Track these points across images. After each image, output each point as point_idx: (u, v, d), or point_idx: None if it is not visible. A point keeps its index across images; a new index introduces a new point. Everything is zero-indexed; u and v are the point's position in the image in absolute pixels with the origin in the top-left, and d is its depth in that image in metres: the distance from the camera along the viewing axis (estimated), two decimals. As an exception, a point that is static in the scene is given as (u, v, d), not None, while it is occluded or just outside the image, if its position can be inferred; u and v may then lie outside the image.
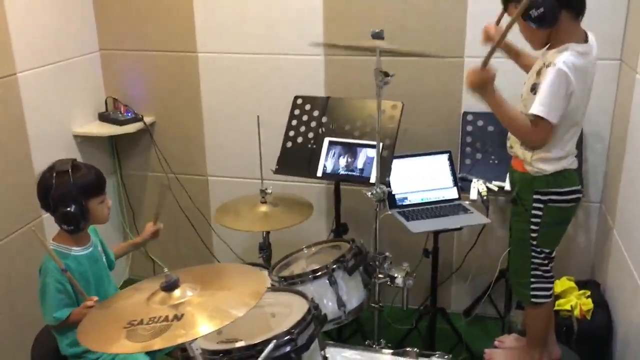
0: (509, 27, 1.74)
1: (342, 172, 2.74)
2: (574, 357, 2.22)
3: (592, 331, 2.58)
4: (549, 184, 1.86)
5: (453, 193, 2.87)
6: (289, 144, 2.89)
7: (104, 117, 3.43)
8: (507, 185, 2.83)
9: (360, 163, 2.73)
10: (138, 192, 3.67)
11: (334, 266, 2.06)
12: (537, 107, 1.74)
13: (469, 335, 3.01)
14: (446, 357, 1.96)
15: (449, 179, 2.88)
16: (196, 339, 1.23)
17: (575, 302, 2.69)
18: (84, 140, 3.34)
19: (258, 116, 2.61)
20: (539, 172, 1.86)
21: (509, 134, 2.04)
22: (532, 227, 1.90)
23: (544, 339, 2.09)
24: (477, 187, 2.86)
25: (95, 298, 2.09)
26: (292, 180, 3.24)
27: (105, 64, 3.49)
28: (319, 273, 2.05)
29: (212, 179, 3.58)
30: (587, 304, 2.67)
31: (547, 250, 1.93)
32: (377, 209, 2.26)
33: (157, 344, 1.18)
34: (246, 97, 3.35)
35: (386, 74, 2.10)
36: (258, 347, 1.54)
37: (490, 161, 2.95)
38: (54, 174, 2.14)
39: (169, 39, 3.35)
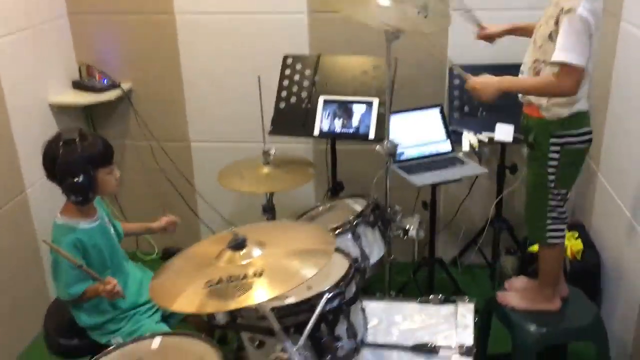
0: None
1: (339, 130, 2.75)
2: (579, 293, 2.35)
3: (583, 271, 2.73)
4: (565, 127, 1.93)
5: (447, 146, 2.93)
6: (282, 105, 2.87)
7: (78, 85, 3.29)
8: (496, 136, 2.92)
9: (356, 120, 2.74)
10: (117, 162, 3.55)
11: (357, 221, 2.09)
12: (564, 55, 1.78)
13: (461, 284, 3.12)
14: (467, 299, 2.03)
15: (441, 133, 2.94)
16: (287, 292, 1.23)
17: (566, 243, 2.82)
18: (60, 111, 3.20)
19: (259, 76, 2.56)
20: (555, 116, 1.93)
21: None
22: (550, 170, 1.98)
23: (557, 278, 2.20)
24: (469, 139, 2.92)
25: (114, 281, 2.03)
26: (280, 141, 3.22)
27: (75, 29, 3.33)
28: (343, 228, 2.07)
29: (194, 144, 3.51)
30: (577, 244, 2.81)
31: (564, 192, 2.02)
32: (388, 163, 2.28)
33: (249, 300, 1.17)
34: (228, 59, 3.29)
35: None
36: (310, 302, 1.56)
37: (478, 113, 3.02)
38: (61, 143, 2.05)
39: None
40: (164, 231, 2.46)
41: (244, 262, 1.31)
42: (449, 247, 3.44)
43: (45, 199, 3.06)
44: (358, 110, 2.74)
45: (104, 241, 2.19)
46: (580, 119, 1.94)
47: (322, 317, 1.55)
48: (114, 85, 3.28)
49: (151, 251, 3.66)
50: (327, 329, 1.57)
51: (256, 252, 1.33)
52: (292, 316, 1.55)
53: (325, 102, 2.79)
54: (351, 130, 2.74)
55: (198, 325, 2.43)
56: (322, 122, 2.77)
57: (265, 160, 2.59)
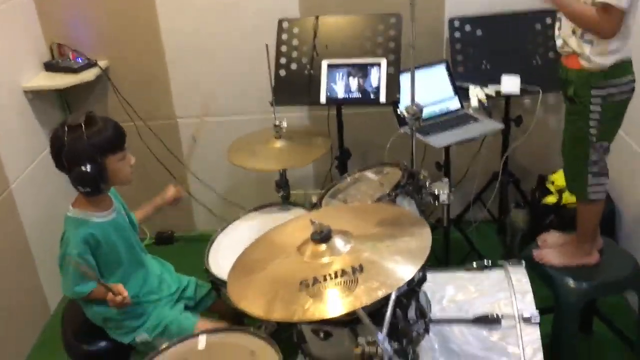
0: None
1: (347, 95, 2.61)
2: (613, 244, 2.33)
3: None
4: (607, 78, 1.85)
5: (455, 103, 2.84)
6: (283, 72, 2.70)
7: (52, 67, 3.02)
8: (503, 89, 2.84)
9: (364, 84, 2.60)
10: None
11: (396, 192, 1.98)
12: None
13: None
14: (517, 262, 1.96)
15: (449, 90, 2.84)
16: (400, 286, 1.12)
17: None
18: (35, 96, 2.94)
19: (267, 45, 2.38)
20: (596, 67, 1.85)
21: (557, 33, 1.99)
22: (592, 123, 1.91)
23: (595, 233, 2.16)
24: (476, 94, 2.84)
25: (125, 293, 1.87)
26: (269, 111, 3.07)
27: (41, 6, 3.04)
28: (383, 201, 1.96)
29: (181, 121, 3.31)
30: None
31: (606, 144, 1.96)
32: (413, 128, 2.16)
33: (362, 299, 1.05)
34: (212, 28, 3.07)
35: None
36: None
37: (482, 66, 2.92)
38: (66, 129, 1.85)
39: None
40: (173, 203, 2.28)
41: (331, 257, 1.18)
42: (457, 205, 3.38)
43: (31, 194, 2.84)
44: (365, 73, 2.60)
45: (120, 236, 2.03)
46: (623, 68, 1.86)
47: (397, 302, 1.45)
48: (90, 64, 3.03)
49: (143, 237, 3.48)
50: (401, 313, 1.47)
51: (343, 244, 1.20)
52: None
53: (330, 66, 2.63)
54: (360, 95, 2.60)
55: (223, 313, 2.32)
56: (328, 88, 2.62)
57: (277, 133, 2.43)
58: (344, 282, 1.10)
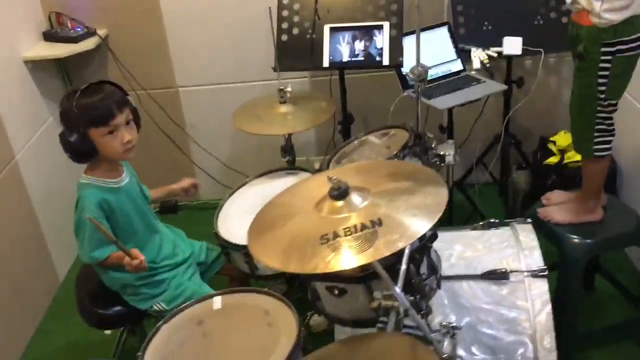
0: None
1: (350, 58, 2.60)
2: (616, 200, 2.37)
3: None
4: (617, 34, 1.85)
5: (458, 65, 2.84)
6: (285, 37, 2.69)
7: (51, 37, 3.00)
8: (504, 50, 2.84)
9: (367, 47, 2.60)
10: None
11: (404, 153, 2.00)
12: None
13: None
14: (524, 220, 2.00)
15: (452, 52, 2.84)
16: (417, 239, 1.14)
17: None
18: (34, 66, 2.92)
19: (269, 7, 2.37)
20: (606, 23, 1.85)
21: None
22: (600, 80, 1.91)
23: (600, 190, 2.19)
24: (478, 55, 2.84)
25: (142, 257, 1.89)
26: (269, 78, 3.07)
27: (37, -26, 3.00)
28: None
29: (182, 89, 3.30)
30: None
31: (614, 102, 1.97)
32: (419, 90, 2.17)
33: (382, 251, 1.08)
34: (210, -7, 3.05)
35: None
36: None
37: (484, 28, 2.92)
38: (68, 94, 1.88)
39: None
40: (185, 193, 2.31)
41: (349, 213, 1.20)
42: (459, 168, 3.40)
43: (36, 163, 2.85)
44: (368, 36, 2.60)
45: (132, 203, 2.04)
46: (633, 23, 1.86)
47: (410, 257, 1.48)
48: (89, 33, 3.01)
49: (148, 206, 3.50)
50: (414, 269, 1.50)
51: (360, 200, 1.22)
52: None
53: (332, 30, 2.63)
54: (363, 58, 2.60)
55: (233, 276, 2.35)
56: (331, 52, 2.62)
57: (282, 98, 2.43)
58: (364, 236, 1.13)
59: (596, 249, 2.21)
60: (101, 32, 3.06)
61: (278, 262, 1.14)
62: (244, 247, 2.08)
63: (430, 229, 1.14)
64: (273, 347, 1.64)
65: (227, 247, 2.16)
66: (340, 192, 1.22)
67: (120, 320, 2.17)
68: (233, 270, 2.30)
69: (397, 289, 1.30)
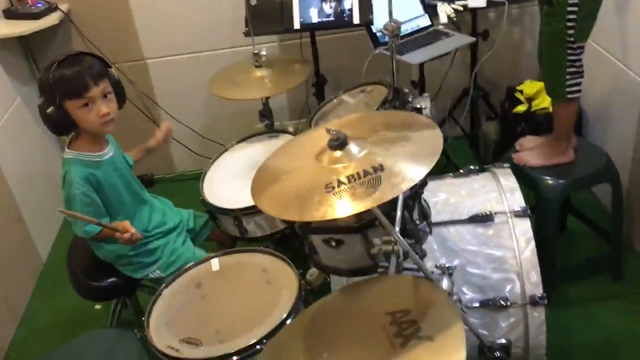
0: None
1: (320, 19, 2.62)
2: (585, 141, 2.49)
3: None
4: (582, -23, 1.93)
5: (426, 20, 2.88)
6: (254, 2, 2.68)
7: (11, 14, 2.92)
8: (470, 3, 2.90)
9: (336, 7, 2.62)
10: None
11: (384, 107, 2.04)
12: None
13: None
14: (503, 165, 2.07)
15: (418, 7, 2.88)
16: (420, 180, 1.19)
17: (549, 100, 2.92)
18: (-1, 45, 2.85)
19: (240, -29, 2.35)
20: (572, -32, 1.92)
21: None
22: (569, 24, 1.98)
23: (571, 131, 2.28)
24: (444, 10, 2.89)
25: (131, 229, 1.90)
26: (238, 44, 3.07)
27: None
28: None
29: (150, 61, 3.27)
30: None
31: (582, 44, 2.05)
32: (393, 45, 2.21)
33: (387, 194, 1.13)
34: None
35: None
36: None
37: (448, -18, 2.95)
38: (46, 66, 1.87)
39: None
40: (164, 142, 2.30)
41: (349, 162, 1.25)
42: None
43: (9, 145, 2.81)
44: (336, -5, 2.61)
45: (119, 174, 2.05)
46: (595, -33, 1.94)
47: (403, 204, 1.54)
48: (50, 9, 2.95)
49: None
50: (408, 215, 1.56)
51: (358, 149, 1.27)
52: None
53: (301, -9, 2.63)
54: (334, 18, 2.62)
55: (221, 241, 2.39)
56: (301, 13, 2.63)
57: (257, 62, 2.44)
58: (368, 181, 1.17)
59: (570, 188, 2.32)
60: (63, 6, 2.99)
61: (288, 213, 1.18)
62: (233, 210, 2.12)
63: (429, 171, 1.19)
64: (275, 302, 1.70)
65: (216, 212, 2.19)
66: (339, 142, 1.26)
67: (115, 292, 2.19)
68: (221, 235, 2.33)
69: (397, 232, 1.35)
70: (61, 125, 1.91)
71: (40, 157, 3.03)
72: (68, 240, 2.30)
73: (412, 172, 1.18)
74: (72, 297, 2.23)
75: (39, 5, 2.92)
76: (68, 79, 1.86)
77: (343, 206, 1.15)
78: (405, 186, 1.14)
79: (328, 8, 2.61)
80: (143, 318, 1.71)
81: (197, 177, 2.35)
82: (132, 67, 3.23)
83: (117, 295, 2.25)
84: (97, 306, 2.65)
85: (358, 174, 1.20)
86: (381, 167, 1.19)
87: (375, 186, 1.15)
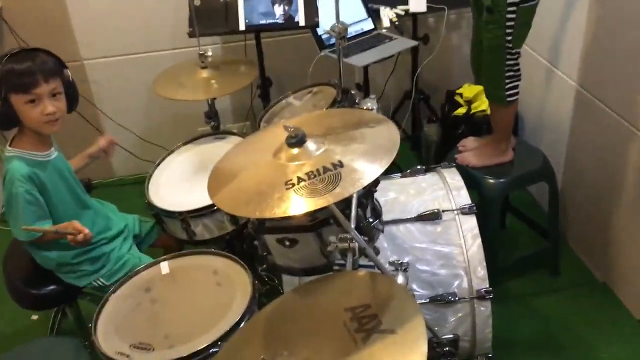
0: None
1: (266, 21, 2.62)
2: (522, 142, 2.59)
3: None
4: (519, -15, 2.01)
5: (369, 24, 2.93)
6: (197, 2, 2.65)
7: (-63, 11, 2.76)
8: (410, 8, 2.98)
9: (281, 9, 2.62)
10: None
11: (334, 107, 2.06)
12: None
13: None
14: (448, 164, 2.13)
15: (362, 11, 2.92)
16: (377, 177, 1.20)
17: (487, 102, 3.02)
18: None
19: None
20: (509, -22, 2.00)
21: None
22: (507, 30, 2.06)
23: (510, 132, 2.37)
24: (387, 14, 2.95)
25: (84, 230, 1.84)
26: (181, 46, 3.03)
27: None
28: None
29: (87, 62, 3.17)
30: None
31: (519, 50, 2.14)
32: (340, 47, 2.23)
33: (348, 189, 1.14)
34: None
35: None
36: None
37: (389, -13, 3.02)
38: None
39: None
40: (104, 153, 2.24)
41: (313, 157, 1.25)
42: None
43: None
44: (281, -3, 2.62)
45: (61, 177, 1.98)
46: (533, -23, 2.02)
47: (358, 202, 1.56)
48: (-20, 6, 2.80)
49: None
50: (362, 213, 1.58)
51: (316, 147, 1.27)
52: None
53: (245, -7, 2.62)
54: (279, 20, 2.62)
55: (168, 247, 2.33)
56: (246, 15, 2.62)
57: (203, 63, 2.41)
58: (328, 177, 1.18)
59: (510, 186, 2.40)
60: (-6, 4, 2.86)
61: (247, 210, 1.17)
62: (181, 212, 2.07)
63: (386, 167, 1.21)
64: (228, 303, 1.68)
65: (162, 215, 2.15)
66: (298, 139, 1.26)
67: (55, 300, 2.10)
68: (167, 241, 2.29)
69: (353, 230, 1.37)
70: (3, 119, 1.84)
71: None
72: (3, 245, 2.19)
73: (371, 168, 1.20)
74: (6, 308, 2.12)
75: (-32, 2, 2.77)
76: (17, 73, 1.80)
77: (303, 202, 1.15)
78: (365, 182, 1.16)
79: (272, 10, 2.61)
80: (90, 325, 1.65)
81: (138, 182, 2.30)
82: (69, 68, 3.11)
83: (58, 303, 2.16)
84: (34, 317, 2.54)
85: (318, 170, 1.20)
86: (340, 164, 1.20)
87: (335, 182, 1.16)
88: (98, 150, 2.22)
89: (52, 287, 2.04)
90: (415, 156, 3.44)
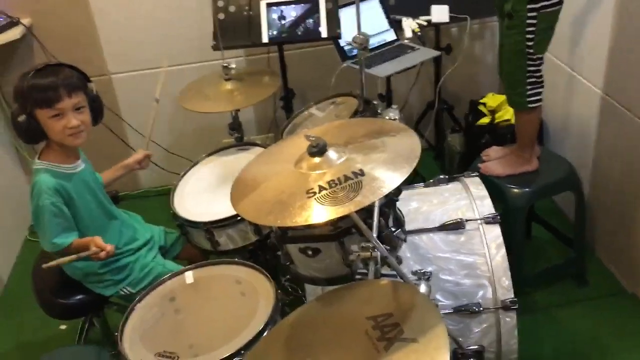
0: None
1: (288, 33, 2.64)
2: (548, 150, 2.56)
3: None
4: (540, -8, 2.01)
5: (391, 35, 2.94)
6: (222, 16, 2.69)
7: (-29, 29, 2.85)
8: (433, 18, 2.99)
9: (304, 20, 2.65)
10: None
11: (355, 118, 2.07)
12: None
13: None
14: (471, 174, 2.12)
15: (384, 22, 2.93)
16: (398, 185, 1.21)
17: (512, 111, 3.00)
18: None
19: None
20: (529, -17, 2.00)
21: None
22: (528, 36, 2.06)
23: (534, 140, 2.35)
24: (409, 25, 2.96)
25: (107, 247, 1.86)
26: (202, 60, 3.07)
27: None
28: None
29: (115, 76, 3.24)
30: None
31: (541, 56, 2.12)
32: (362, 57, 2.24)
33: (367, 199, 1.14)
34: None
35: None
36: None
37: (412, -3, 3.03)
38: (24, 73, 1.87)
39: None
40: (139, 165, 2.28)
41: (334, 166, 1.26)
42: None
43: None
44: (304, 9, 2.64)
45: (89, 189, 2.02)
46: (554, -19, 2.02)
47: (380, 211, 1.56)
48: (12, 23, 2.89)
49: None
50: (384, 222, 1.58)
51: (337, 156, 1.28)
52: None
53: (268, 5, 2.65)
54: (301, 32, 2.65)
55: (192, 259, 2.35)
56: (269, 27, 2.65)
57: (227, 75, 2.44)
58: (349, 186, 1.19)
59: (536, 196, 2.38)
60: (25, 20, 2.94)
61: (269, 219, 1.19)
62: (205, 223, 2.10)
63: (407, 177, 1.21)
64: (252, 313, 1.69)
65: (187, 226, 2.17)
66: (319, 149, 1.27)
67: (83, 309, 2.14)
68: (192, 253, 2.31)
69: (375, 238, 1.37)
70: (30, 133, 1.89)
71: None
72: (30, 260, 2.24)
73: (391, 176, 1.20)
74: (36, 319, 2.18)
75: (0, 19, 2.86)
76: (41, 88, 1.85)
77: (325, 211, 1.16)
78: (386, 190, 1.16)
79: (296, 22, 2.64)
80: (116, 333, 1.67)
81: (164, 194, 2.33)
82: (96, 82, 3.11)
83: (86, 312, 2.19)
84: (63, 326, 2.58)
85: (339, 179, 1.21)
86: (361, 172, 1.21)
87: (356, 190, 1.17)
88: (134, 162, 2.26)
89: (79, 296, 2.07)
90: (439, 166, 3.42)
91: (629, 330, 2.32)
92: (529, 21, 2.04)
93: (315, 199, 1.18)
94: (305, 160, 1.28)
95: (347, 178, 1.21)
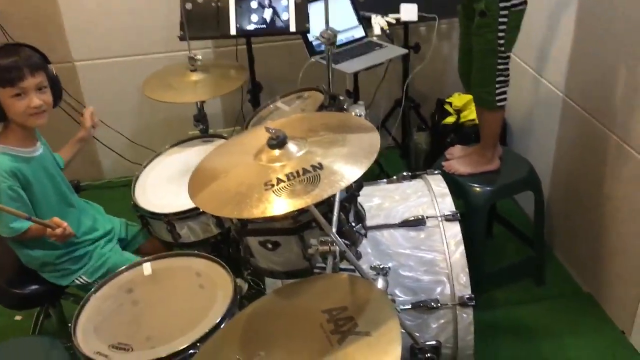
0: None
1: (257, 26, 2.63)
2: (509, 150, 2.61)
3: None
4: (510, -10, 2.04)
5: (360, 32, 2.95)
6: (189, 6, 2.66)
7: None
8: (402, 16, 3.00)
9: (272, 14, 2.64)
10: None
11: (321, 112, 2.07)
12: None
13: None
14: (434, 172, 2.14)
15: (353, 19, 2.94)
16: (358, 180, 1.21)
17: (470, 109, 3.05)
18: None
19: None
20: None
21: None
22: (499, 34, 2.08)
23: (497, 141, 2.38)
24: (378, 22, 2.97)
25: (63, 224, 1.85)
26: (170, 50, 3.04)
27: None
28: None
29: (79, 64, 3.18)
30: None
31: (510, 53, 2.16)
32: (330, 53, 2.24)
33: (325, 192, 1.14)
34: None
35: None
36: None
37: (381, -5, 3.04)
38: None
39: None
40: (93, 129, 2.26)
41: (293, 158, 1.25)
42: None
43: None
44: (273, 3, 2.63)
45: (47, 174, 1.98)
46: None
47: (340, 206, 1.56)
48: (-27, 6, 2.81)
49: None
50: (344, 217, 1.58)
51: (297, 149, 1.28)
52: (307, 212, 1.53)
53: (237, -2, 2.64)
54: (270, 26, 2.64)
55: (152, 254, 2.33)
56: (238, 20, 2.63)
57: (192, 66, 2.41)
58: (307, 179, 1.19)
59: (496, 195, 2.41)
60: (-13, 5, 2.87)
61: (226, 211, 1.18)
62: (166, 215, 2.07)
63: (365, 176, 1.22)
64: (209, 305, 1.68)
65: (148, 217, 2.14)
66: (278, 141, 1.27)
67: (38, 300, 2.10)
68: (152, 248, 2.28)
69: (334, 233, 1.37)
70: None
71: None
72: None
73: (350, 170, 1.21)
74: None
75: (-40, 2, 2.78)
76: (3, 68, 1.82)
77: (282, 203, 1.15)
78: (344, 184, 1.16)
79: (264, 15, 2.63)
80: (70, 325, 1.64)
81: (127, 185, 2.29)
82: (59, 69, 3.08)
83: (41, 303, 2.15)
84: (18, 317, 2.53)
85: (297, 172, 1.21)
86: (320, 166, 1.21)
87: (314, 184, 1.17)
88: (85, 131, 2.21)
89: (35, 286, 2.04)
90: (405, 164, 3.45)
91: (584, 328, 2.38)
92: (501, 19, 2.07)
93: (273, 191, 1.18)
94: (265, 153, 1.28)
95: (305, 171, 1.21)
